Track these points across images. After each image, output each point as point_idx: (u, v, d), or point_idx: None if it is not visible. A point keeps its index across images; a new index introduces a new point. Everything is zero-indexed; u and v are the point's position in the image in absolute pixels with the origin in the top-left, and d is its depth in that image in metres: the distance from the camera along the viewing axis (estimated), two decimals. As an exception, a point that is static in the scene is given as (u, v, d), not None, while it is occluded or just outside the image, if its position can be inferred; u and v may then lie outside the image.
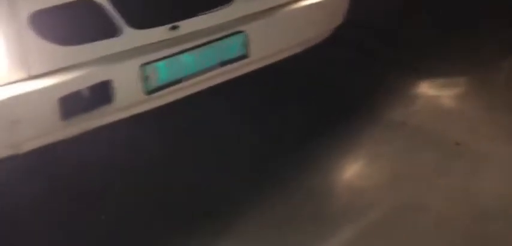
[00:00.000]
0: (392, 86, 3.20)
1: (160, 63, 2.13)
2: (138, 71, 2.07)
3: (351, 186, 2.43)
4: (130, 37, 2.06)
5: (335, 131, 2.80)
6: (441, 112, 2.96)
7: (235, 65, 2.39)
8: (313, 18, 2.68)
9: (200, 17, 2.27)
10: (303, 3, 2.61)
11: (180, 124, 2.83)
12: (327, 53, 3.31)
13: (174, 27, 2.20)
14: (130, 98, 2.10)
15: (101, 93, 2.00)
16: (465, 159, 2.56)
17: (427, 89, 3.18)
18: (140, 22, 2.09)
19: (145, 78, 2.10)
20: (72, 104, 1.93)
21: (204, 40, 2.25)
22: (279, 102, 3.09)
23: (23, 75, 1.85)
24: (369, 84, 3.26)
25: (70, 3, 1.89)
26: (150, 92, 2.13)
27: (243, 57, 2.40)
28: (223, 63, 2.34)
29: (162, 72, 2.14)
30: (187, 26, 2.23)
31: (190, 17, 2.24)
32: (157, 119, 2.61)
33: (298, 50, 2.75)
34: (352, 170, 2.54)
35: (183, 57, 2.20)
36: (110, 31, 2.01)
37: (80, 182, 2.45)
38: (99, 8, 1.96)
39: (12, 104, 1.80)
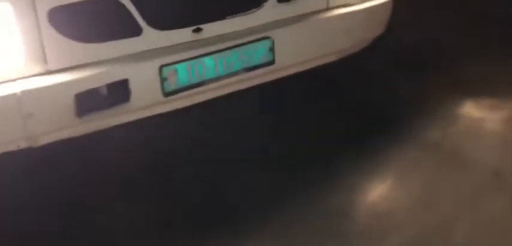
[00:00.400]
0: (433, 104, 3.02)
1: (180, 65, 2.10)
2: (157, 72, 2.05)
3: (374, 207, 2.29)
4: (151, 38, 2.04)
5: (365, 146, 2.67)
6: (483, 136, 2.75)
7: (261, 71, 2.32)
8: (348, 27, 2.56)
9: (226, 20, 2.22)
10: (336, 12, 2.51)
11: (200, 125, 2.80)
12: (366, 64, 3.22)
13: (198, 30, 2.16)
14: (147, 99, 2.08)
15: (118, 92, 2.00)
16: (504, 192, 2.35)
17: (470, 109, 2.97)
18: (162, 23, 2.07)
19: (163, 80, 2.07)
20: (88, 101, 1.94)
21: (229, 44, 2.20)
22: (309, 111, 2.99)
23: (40, 69, 1.87)
24: (408, 100, 3.09)
25: (90, 0, 1.89)
26: (169, 93, 2.10)
27: (270, 63, 2.33)
28: (249, 69, 2.28)
29: (181, 74, 2.11)
30: (212, 29, 2.19)
31: (216, 20, 2.19)
32: (178, 118, 2.60)
33: (332, 59, 2.64)
34: (377, 190, 2.40)
35: (205, 61, 2.16)
36: (130, 30, 2.00)
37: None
38: (120, 7, 1.95)
39: (26, 97, 1.82)
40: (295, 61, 2.44)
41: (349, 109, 3.00)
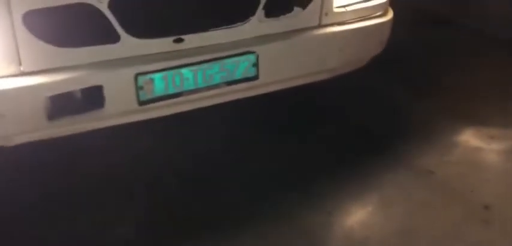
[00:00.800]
0: (432, 129, 2.92)
1: (157, 75, 2.08)
2: (132, 80, 2.04)
3: (350, 233, 2.21)
4: (128, 46, 2.03)
5: (353, 168, 2.59)
6: (479, 167, 2.64)
7: (243, 85, 2.29)
8: (342, 46, 2.50)
9: (210, 32, 2.19)
10: (329, 30, 2.45)
11: (180, 141, 2.77)
12: (363, 83, 3.15)
13: (179, 40, 2.14)
14: (121, 107, 2.08)
15: (92, 98, 2.00)
16: (491, 226, 2.25)
17: (470, 138, 2.85)
18: (142, 32, 2.06)
19: (139, 88, 2.06)
20: (60, 105, 1.94)
21: (209, 56, 2.18)
22: (300, 128, 2.93)
23: (13, 70, 1.89)
24: (405, 123, 3.01)
25: (68, 6, 1.90)
26: (144, 102, 2.09)
27: (253, 78, 2.30)
28: (230, 83, 2.25)
29: (158, 84, 2.10)
30: (194, 40, 2.17)
31: (199, 32, 2.17)
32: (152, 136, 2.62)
33: (323, 77, 2.59)
34: (358, 216, 2.33)
35: (183, 72, 2.14)
36: (107, 37, 2.00)
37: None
38: (97, 14, 1.95)
39: (-4, 97, 1.85)
40: (281, 78, 2.40)
41: (341, 128, 2.93)
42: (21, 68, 1.90)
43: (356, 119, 3.03)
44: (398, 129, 2.94)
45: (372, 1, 2.59)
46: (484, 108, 3.09)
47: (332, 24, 2.47)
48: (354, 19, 2.54)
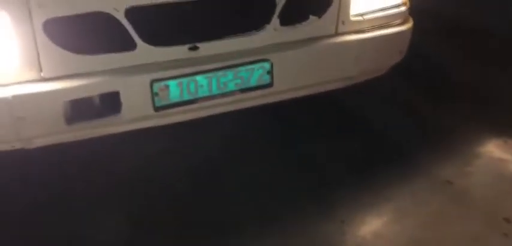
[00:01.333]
0: (454, 138, 2.87)
1: (172, 81, 2.13)
2: (148, 86, 2.10)
3: (363, 243, 2.19)
4: (144, 53, 2.09)
5: (370, 176, 2.58)
6: (501, 179, 2.57)
7: (257, 92, 2.31)
8: (358, 55, 2.49)
9: (225, 40, 2.23)
10: (345, 38, 2.45)
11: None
12: (386, 90, 3.12)
13: (194, 48, 2.19)
14: (138, 112, 2.13)
15: (108, 103, 2.07)
16: (510, 240, 2.19)
17: (493, 148, 2.78)
18: (157, 39, 2.11)
19: (154, 95, 2.12)
20: (78, 110, 2.02)
21: (223, 64, 2.21)
22: (320, 132, 2.94)
23: (34, 76, 1.97)
24: (428, 132, 2.96)
25: (86, 14, 1.97)
26: (159, 108, 2.14)
27: (267, 86, 2.32)
28: (244, 90, 2.28)
29: (173, 90, 2.15)
30: (209, 47, 2.21)
31: (213, 40, 2.21)
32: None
33: (338, 85, 2.59)
34: (371, 226, 2.30)
35: (198, 79, 2.18)
36: (123, 45, 2.06)
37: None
38: (114, 22, 2.01)
39: (18, 101, 1.93)
40: (295, 85, 2.41)
41: (361, 135, 2.92)
42: (42, 74, 1.98)
43: (374, 126, 3.00)
44: (418, 138, 2.90)
45: (390, 10, 2.58)
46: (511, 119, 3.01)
47: (349, 33, 2.47)
48: (371, 28, 2.53)
